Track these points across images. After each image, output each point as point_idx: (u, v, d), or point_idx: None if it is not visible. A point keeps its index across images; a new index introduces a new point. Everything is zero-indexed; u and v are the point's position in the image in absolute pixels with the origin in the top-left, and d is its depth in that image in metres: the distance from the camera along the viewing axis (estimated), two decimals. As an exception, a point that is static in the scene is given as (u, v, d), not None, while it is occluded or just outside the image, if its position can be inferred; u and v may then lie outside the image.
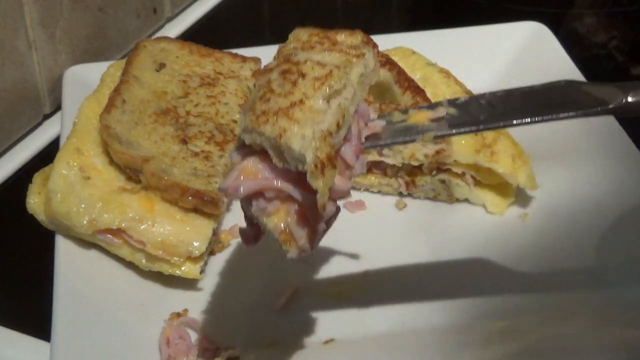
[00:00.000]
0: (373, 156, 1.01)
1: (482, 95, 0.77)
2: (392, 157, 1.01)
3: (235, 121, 1.04)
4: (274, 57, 0.72)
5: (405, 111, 0.76)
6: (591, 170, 1.02)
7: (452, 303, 0.90)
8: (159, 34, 1.38)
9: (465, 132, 0.75)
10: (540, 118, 0.74)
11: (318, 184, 0.64)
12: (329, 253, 0.97)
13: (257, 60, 1.15)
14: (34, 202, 0.95)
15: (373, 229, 1.00)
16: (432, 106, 0.76)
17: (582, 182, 1.01)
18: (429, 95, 1.04)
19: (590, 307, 0.88)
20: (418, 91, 1.03)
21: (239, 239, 0.98)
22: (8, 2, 1.08)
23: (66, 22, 1.19)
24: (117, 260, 0.92)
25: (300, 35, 0.74)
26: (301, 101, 0.66)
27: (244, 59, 1.14)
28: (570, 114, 0.74)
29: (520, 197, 1.02)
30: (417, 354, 0.84)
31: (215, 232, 0.94)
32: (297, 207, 0.68)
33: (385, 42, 1.08)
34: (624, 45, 1.39)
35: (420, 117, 0.75)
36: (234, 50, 1.16)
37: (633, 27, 1.45)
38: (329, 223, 0.70)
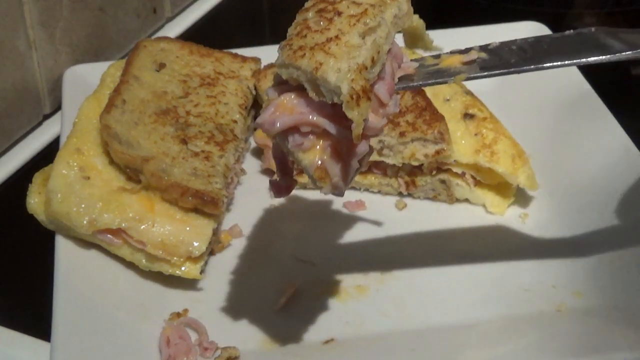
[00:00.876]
0: (373, 156, 1.01)
1: (513, 41, 0.78)
2: (392, 157, 1.01)
3: (235, 121, 1.04)
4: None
5: (437, 56, 0.78)
6: (591, 170, 1.02)
7: (451, 303, 0.90)
8: (159, 34, 1.38)
9: (496, 75, 0.76)
10: (570, 61, 0.75)
11: (353, 114, 0.66)
12: (329, 253, 0.97)
13: (257, 60, 1.15)
14: (34, 202, 0.94)
15: (373, 229, 1.00)
16: (464, 51, 0.78)
17: (582, 182, 1.01)
18: (429, 95, 1.04)
19: (590, 307, 0.88)
20: (418, 91, 1.03)
21: (239, 239, 0.98)
22: (8, 2, 1.08)
23: (66, 22, 1.19)
24: (117, 260, 0.92)
25: None
26: (337, 37, 0.68)
27: (244, 59, 1.14)
28: (602, 57, 0.75)
29: (520, 197, 1.02)
30: (417, 354, 0.84)
31: (215, 232, 0.94)
32: (331, 143, 0.69)
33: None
34: (624, 45, 1.39)
35: (453, 61, 0.77)
36: (234, 50, 1.16)
37: (633, 27, 1.45)
38: (362, 162, 0.72)
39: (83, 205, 0.91)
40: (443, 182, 1.03)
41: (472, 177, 1.02)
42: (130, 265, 0.91)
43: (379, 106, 0.70)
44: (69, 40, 1.21)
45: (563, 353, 0.81)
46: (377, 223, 1.01)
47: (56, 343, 0.80)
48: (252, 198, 1.04)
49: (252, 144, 1.11)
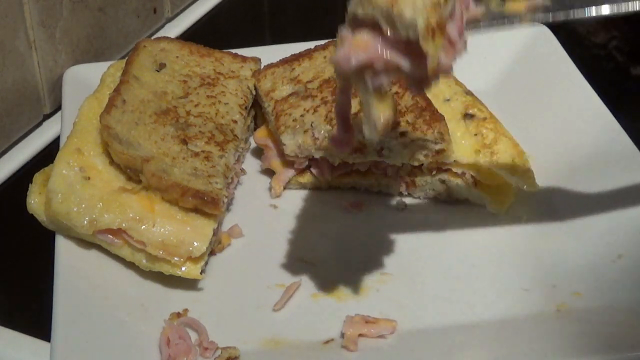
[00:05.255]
0: (373, 156, 1.01)
1: None
2: (392, 158, 1.01)
3: (235, 121, 1.04)
4: None
5: (502, 0, 0.80)
6: (591, 170, 1.02)
7: (451, 303, 0.90)
8: (159, 34, 1.38)
9: (561, 18, 0.78)
10: (632, 4, 0.79)
11: (429, 46, 0.69)
12: (329, 253, 0.97)
13: (257, 60, 1.15)
14: (35, 202, 0.94)
15: (373, 229, 1.00)
16: None
17: (582, 182, 1.01)
18: (429, 95, 1.04)
19: (590, 307, 0.88)
20: (418, 91, 1.03)
21: (239, 239, 0.98)
22: (8, 2, 1.08)
23: (66, 22, 1.19)
24: (117, 260, 0.92)
25: None
26: None
27: (244, 59, 1.14)
28: None
29: (520, 197, 1.02)
30: (417, 354, 0.84)
31: (215, 232, 0.94)
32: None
33: (386, 42, 1.08)
34: (624, 45, 1.39)
35: (517, 6, 0.79)
36: (234, 50, 1.16)
37: (633, 27, 1.45)
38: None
39: (83, 206, 0.91)
40: (443, 182, 1.03)
41: (472, 177, 1.02)
42: (130, 265, 0.91)
43: (449, 46, 0.73)
44: (69, 40, 1.21)
45: (563, 353, 0.81)
46: (377, 223, 1.01)
47: (56, 343, 0.80)
48: (252, 198, 1.04)
49: (252, 144, 1.11)
